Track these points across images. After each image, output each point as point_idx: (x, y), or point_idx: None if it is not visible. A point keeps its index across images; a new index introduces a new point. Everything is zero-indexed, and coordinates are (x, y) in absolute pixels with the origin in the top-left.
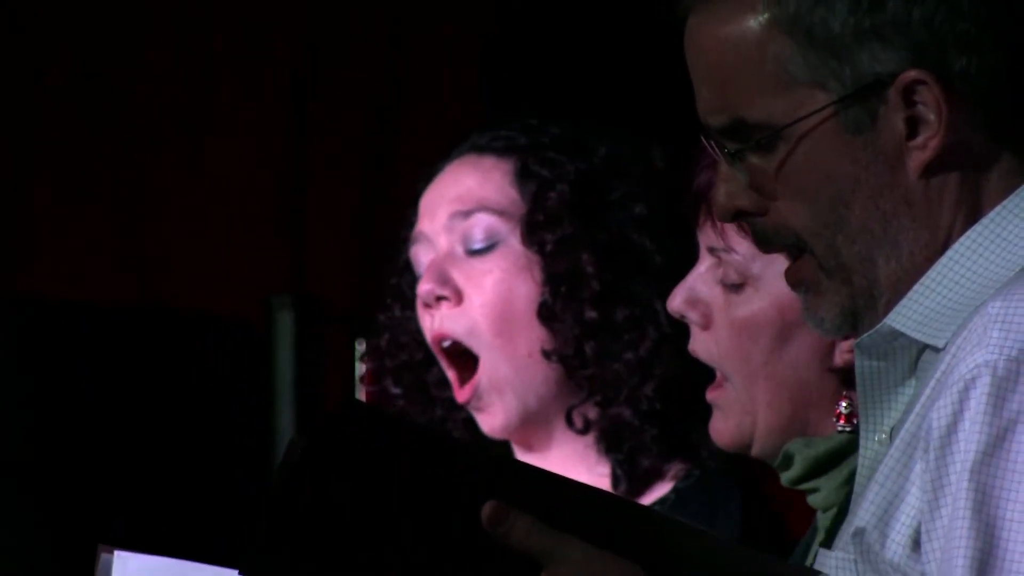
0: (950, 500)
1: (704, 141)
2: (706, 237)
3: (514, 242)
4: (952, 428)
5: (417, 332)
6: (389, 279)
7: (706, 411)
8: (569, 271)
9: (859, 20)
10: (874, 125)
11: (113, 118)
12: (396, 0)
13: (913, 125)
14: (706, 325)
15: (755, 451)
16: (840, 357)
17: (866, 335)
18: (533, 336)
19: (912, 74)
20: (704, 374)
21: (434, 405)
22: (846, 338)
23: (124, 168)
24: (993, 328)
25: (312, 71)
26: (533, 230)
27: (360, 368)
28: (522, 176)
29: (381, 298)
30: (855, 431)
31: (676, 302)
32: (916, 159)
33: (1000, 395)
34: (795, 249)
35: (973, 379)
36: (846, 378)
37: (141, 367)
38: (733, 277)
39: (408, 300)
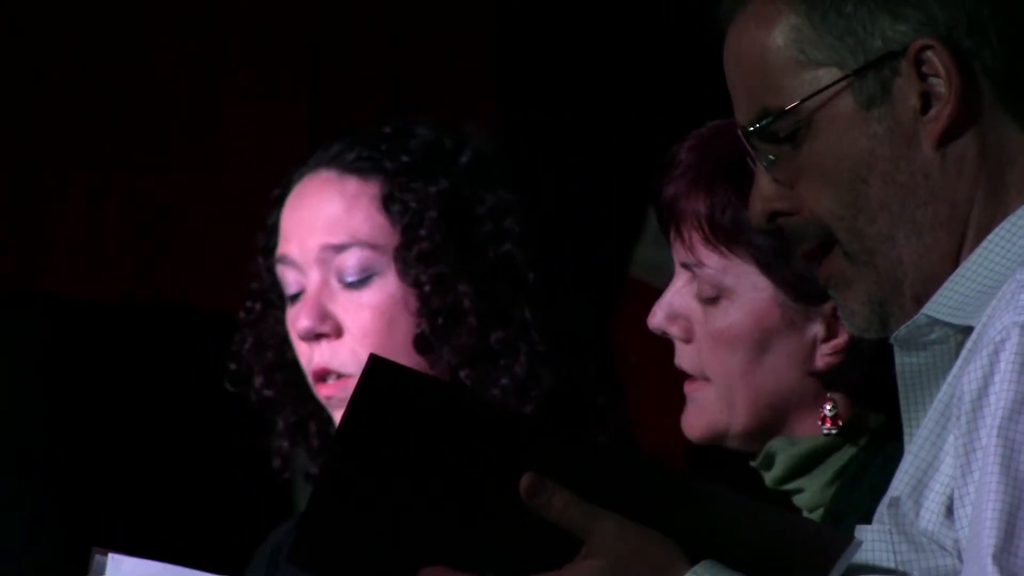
0: (980, 462)
1: (748, 159)
2: (677, 253)
3: (390, 275)
4: (983, 391)
5: (285, 333)
6: (251, 282)
7: (584, 419)
8: (446, 306)
9: None
10: (888, 98)
11: (130, 117)
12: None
13: (927, 100)
14: (688, 339)
15: (729, 445)
16: (821, 360)
17: (903, 328)
18: (411, 365)
19: (921, 41)
20: (579, 383)
21: (308, 403)
22: (828, 338)
23: (140, 168)
24: (1021, 292)
25: (322, 69)
26: (407, 266)
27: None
28: (388, 203)
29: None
30: (840, 434)
31: (656, 319)
32: (931, 131)
33: None
34: (823, 247)
35: (1002, 341)
36: (828, 381)
37: (157, 366)
38: (708, 291)
39: (271, 302)
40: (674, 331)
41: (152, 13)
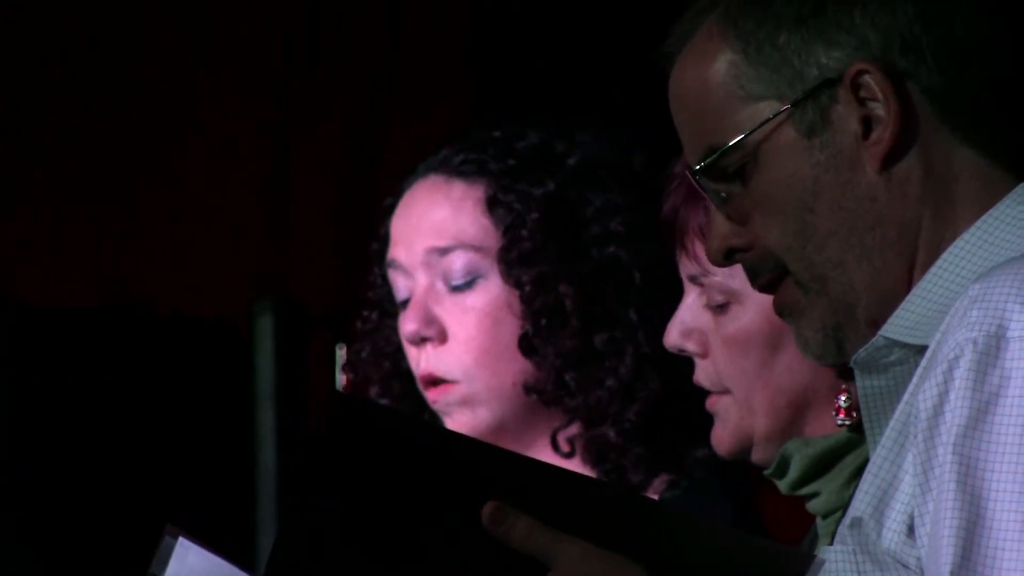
0: (937, 479)
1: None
2: (684, 266)
3: (495, 277)
4: (938, 409)
5: (400, 341)
6: (367, 291)
7: (690, 425)
8: (549, 306)
9: (803, 27)
10: (828, 125)
11: (96, 124)
12: (377, 2)
13: (868, 124)
14: (704, 353)
15: (755, 457)
16: None
17: (862, 351)
18: (518, 368)
19: (856, 66)
20: (687, 388)
21: (423, 411)
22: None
23: (107, 173)
24: (973, 308)
25: (295, 75)
26: (510, 268)
27: (340, 375)
28: (492, 205)
29: (360, 306)
30: (855, 425)
31: (672, 337)
32: (873, 154)
33: (981, 369)
34: (778, 278)
35: (956, 358)
36: (842, 371)
37: (123, 371)
38: (717, 298)
39: (387, 311)
40: (690, 347)
41: (128, 19)
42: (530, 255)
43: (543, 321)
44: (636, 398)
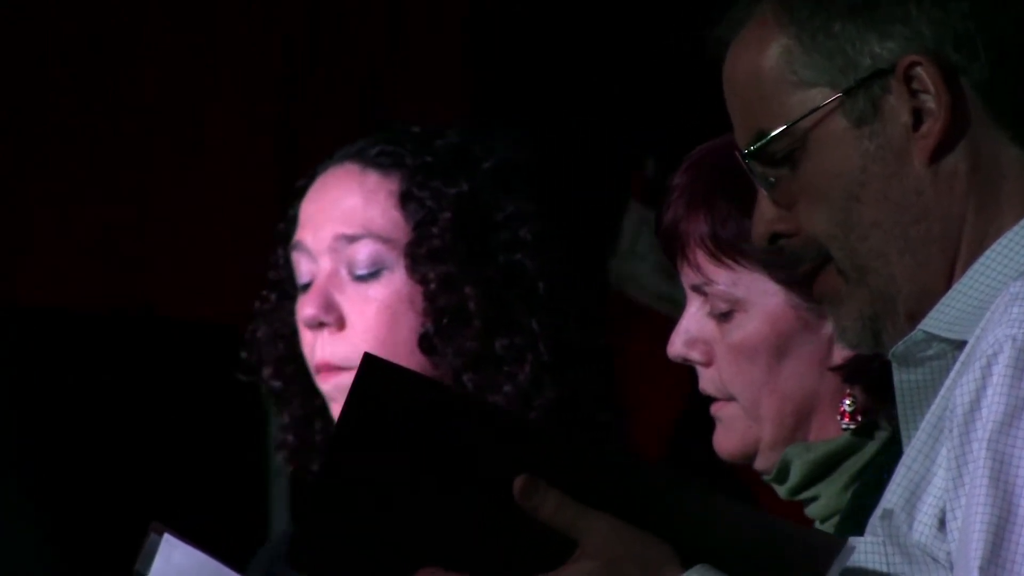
0: (971, 474)
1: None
2: (685, 277)
3: (399, 270)
4: (975, 404)
5: (296, 325)
6: (268, 272)
7: (583, 434)
8: (452, 306)
9: (858, 17)
10: (879, 116)
11: (105, 127)
12: (377, 2)
13: (918, 116)
14: (709, 362)
15: (758, 464)
16: (839, 355)
17: (900, 344)
18: (414, 364)
19: (909, 58)
20: (582, 397)
21: (316, 398)
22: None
23: (116, 176)
24: (1014, 305)
25: (295, 75)
26: (416, 263)
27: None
28: (405, 199)
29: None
30: (860, 429)
31: (676, 347)
32: (922, 147)
33: (1019, 366)
34: (819, 267)
35: (995, 354)
36: (848, 375)
37: (134, 375)
38: (721, 307)
39: (287, 293)
40: (695, 356)
41: (128, 19)
42: (438, 253)
43: (445, 320)
44: (532, 406)
